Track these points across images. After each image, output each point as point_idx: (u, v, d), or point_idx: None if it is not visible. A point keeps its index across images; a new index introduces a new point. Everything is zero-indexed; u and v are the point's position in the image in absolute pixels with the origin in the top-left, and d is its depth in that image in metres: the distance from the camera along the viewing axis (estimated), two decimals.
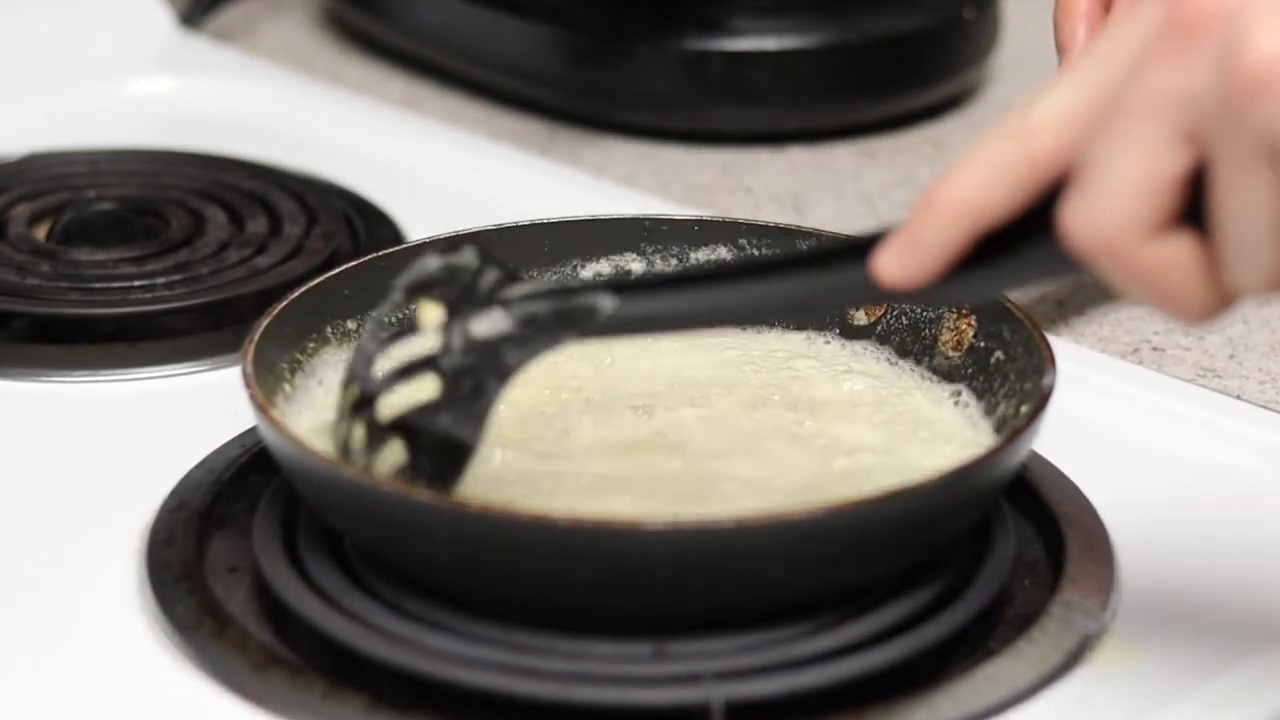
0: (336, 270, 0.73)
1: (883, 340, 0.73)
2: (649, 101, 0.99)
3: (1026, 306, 0.81)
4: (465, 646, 0.62)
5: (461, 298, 0.63)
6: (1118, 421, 0.76)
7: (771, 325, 0.73)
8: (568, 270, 0.76)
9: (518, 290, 0.62)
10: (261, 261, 0.86)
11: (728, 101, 0.98)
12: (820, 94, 0.98)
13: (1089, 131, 0.53)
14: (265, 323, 0.69)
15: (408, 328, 0.64)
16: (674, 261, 0.76)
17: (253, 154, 0.95)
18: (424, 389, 0.63)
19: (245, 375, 0.65)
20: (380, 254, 0.74)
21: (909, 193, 0.95)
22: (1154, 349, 0.81)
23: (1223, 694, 0.62)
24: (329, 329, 0.72)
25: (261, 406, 0.64)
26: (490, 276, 0.63)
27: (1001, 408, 0.69)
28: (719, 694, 0.60)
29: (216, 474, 0.70)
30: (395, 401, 0.64)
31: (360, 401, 0.64)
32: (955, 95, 1.03)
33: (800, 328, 0.74)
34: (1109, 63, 0.53)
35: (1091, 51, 0.54)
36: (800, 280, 0.59)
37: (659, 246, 0.76)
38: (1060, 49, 0.77)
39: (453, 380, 0.63)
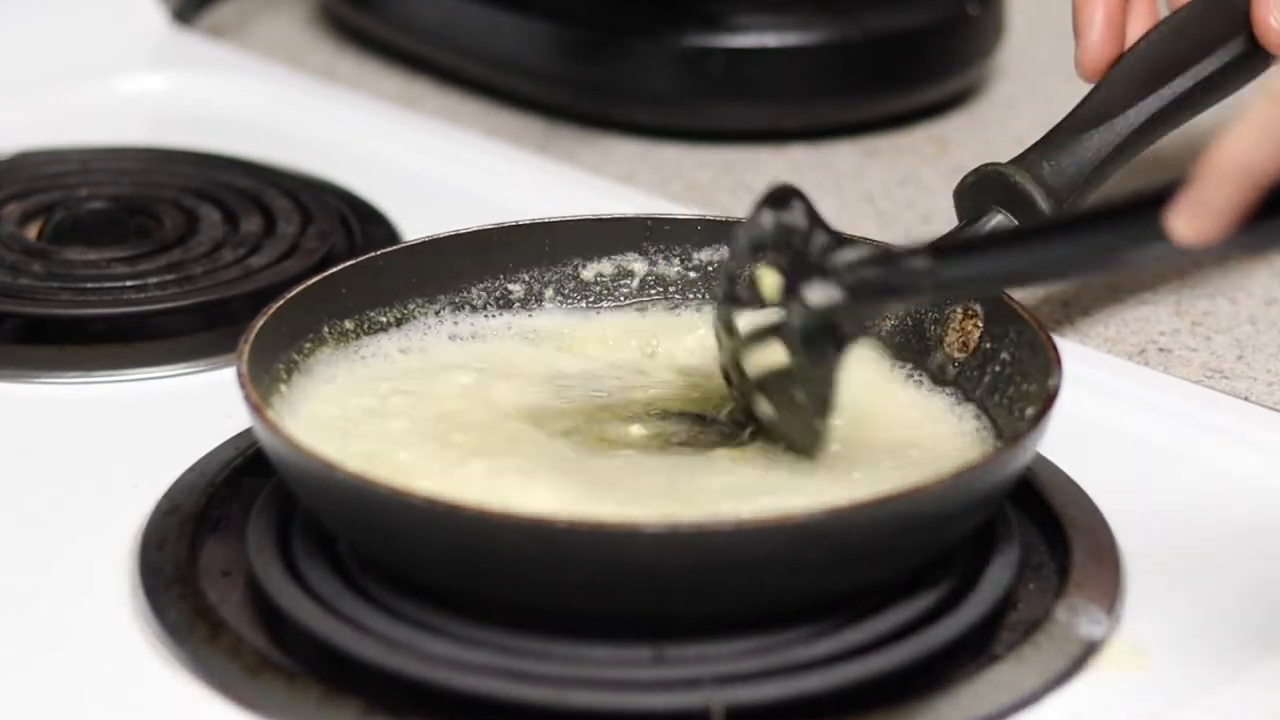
0: (333, 270, 0.73)
1: (887, 341, 0.73)
2: (648, 99, 0.99)
3: (1032, 307, 0.80)
4: (462, 651, 0.62)
5: (795, 262, 0.65)
6: (1124, 424, 0.76)
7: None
8: (569, 270, 0.76)
9: (846, 256, 0.65)
10: (256, 261, 0.86)
11: (728, 99, 0.98)
12: (822, 91, 0.99)
13: None
14: (260, 323, 0.69)
15: (749, 290, 0.67)
16: (677, 262, 0.75)
17: (247, 152, 0.95)
18: (774, 353, 0.66)
19: (240, 376, 0.65)
20: (378, 253, 0.74)
21: (912, 191, 0.95)
22: (1161, 350, 0.81)
23: (1230, 700, 0.62)
24: (326, 329, 0.72)
25: (257, 407, 0.64)
26: (820, 240, 0.65)
27: (1006, 409, 0.69)
28: (719, 699, 0.60)
29: (210, 476, 0.70)
30: (755, 361, 0.67)
31: (732, 355, 0.68)
32: (959, 92, 1.03)
33: None
34: None
35: None
36: (1102, 237, 0.61)
37: (662, 246, 0.76)
38: (1077, 33, 0.79)
39: (798, 346, 0.65)
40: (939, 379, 0.72)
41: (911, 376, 0.72)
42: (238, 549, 0.67)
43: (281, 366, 0.70)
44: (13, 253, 0.86)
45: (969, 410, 0.70)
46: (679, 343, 0.74)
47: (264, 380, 0.68)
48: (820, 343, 0.65)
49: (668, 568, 0.60)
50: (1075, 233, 0.62)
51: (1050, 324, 0.81)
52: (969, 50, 1.01)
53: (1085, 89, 0.82)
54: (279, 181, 0.92)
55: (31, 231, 0.89)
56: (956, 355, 0.71)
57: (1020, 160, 0.78)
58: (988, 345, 0.70)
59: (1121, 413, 0.76)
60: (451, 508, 0.60)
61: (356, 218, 0.90)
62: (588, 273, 0.76)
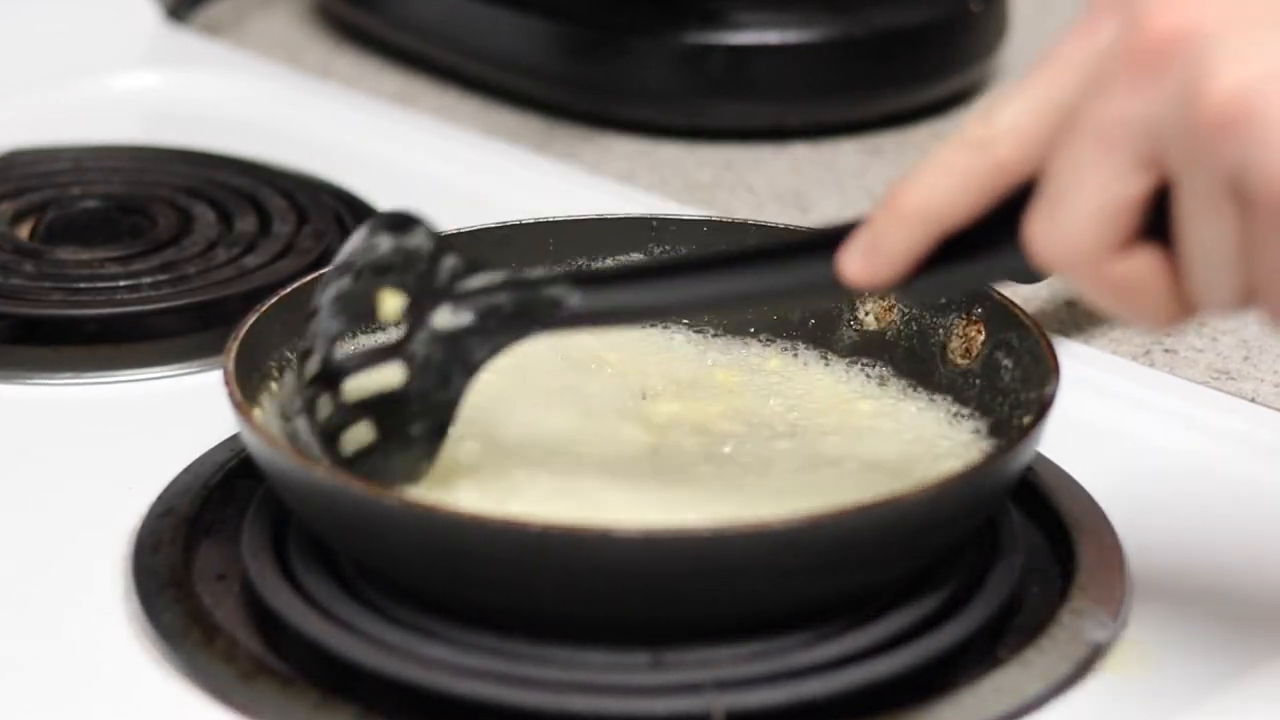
0: (330, 268, 0.72)
1: (890, 347, 0.73)
2: (648, 97, 0.98)
3: (1036, 307, 0.80)
4: (459, 655, 0.61)
5: (421, 286, 0.63)
6: (1129, 425, 0.76)
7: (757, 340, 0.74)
8: (571, 270, 0.75)
9: (477, 281, 0.63)
10: (250, 261, 0.86)
11: (729, 97, 0.98)
12: (824, 89, 0.98)
13: (1050, 142, 0.54)
14: (251, 320, 0.69)
15: (366, 312, 0.64)
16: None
17: (241, 151, 0.95)
18: (389, 375, 0.64)
19: (226, 373, 0.65)
20: None
21: None
22: (1166, 351, 0.81)
23: (1236, 704, 0.62)
24: None
25: (239, 405, 0.64)
26: (448, 264, 0.64)
27: (1008, 416, 0.69)
28: (719, 704, 0.59)
29: (204, 479, 0.70)
30: (361, 384, 0.64)
31: (320, 377, 0.65)
32: (962, 90, 1.03)
33: (794, 338, 0.73)
34: (1069, 73, 0.54)
35: (1051, 60, 0.55)
36: (765, 274, 0.60)
37: (666, 247, 0.76)
38: None
39: (420, 370, 0.63)
40: (941, 386, 0.71)
41: (913, 384, 0.72)
42: (233, 552, 0.67)
43: (273, 365, 0.69)
44: (4, 252, 0.86)
45: (972, 416, 0.70)
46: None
47: (253, 379, 0.68)
48: (445, 367, 0.63)
49: (644, 573, 0.59)
50: (735, 269, 0.61)
51: (1055, 325, 0.81)
52: (972, 48, 1.01)
53: None
54: (274, 180, 0.92)
55: (23, 231, 0.88)
56: (959, 362, 0.71)
57: None
58: (989, 352, 0.70)
59: (1126, 414, 0.76)
60: (426, 510, 0.60)
61: (353, 217, 0.90)
62: None
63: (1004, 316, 0.70)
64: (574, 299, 0.62)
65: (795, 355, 0.74)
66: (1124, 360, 0.80)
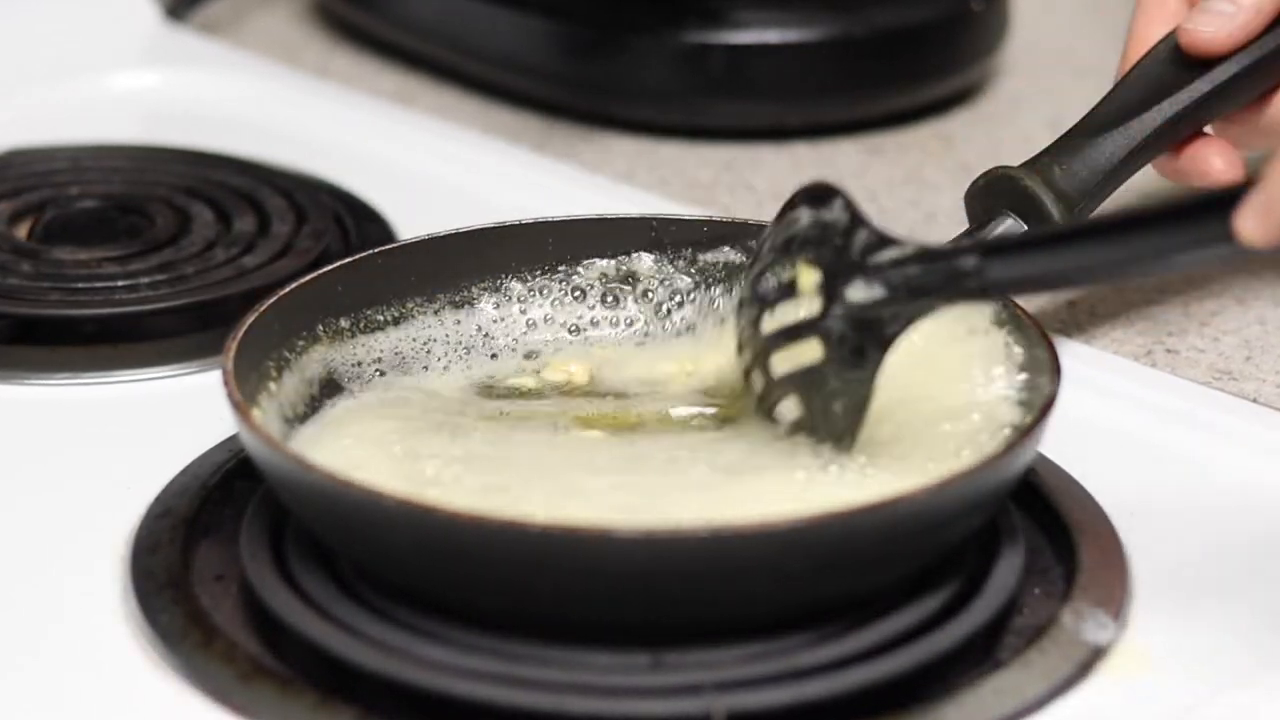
0: (331, 266, 0.73)
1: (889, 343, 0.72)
2: (648, 96, 0.98)
3: (1037, 307, 0.80)
4: (459, 657, 0.61)
5: (836, 260, 0.65)
6: (1130, 425, 0.76)
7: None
8: (571, 269, 0.75)
9: (889, 254, 0.64)
10: (249, 261, 0.85)
11: (729, 96, 0.98)
12: (824, 88, 0.98)
13: None
14: (250, 320, 0.68)
15: (786, 286, 0.66)
16: (682, 263, 0.75)
17: (240, 150, 0.95)
18: (809, 350, 0.66)
19: (225, 373, 0.65)
20: (376, 251, 0.74)
21: (915, 190, 0.95)
22: (1168, 351, 0.81)
23: (1239, 706, 0.62)
24: (320, 327, 0.72)
25: (238, 405, 0.64)
26: (861, 237, 0.65)
27: (1008, 417, 0.68)
28: (720, 705, 0.59)
29: (203, 479, 0.70)
30: (785, 357, 0.66)
31: (752, 347, 0.67)
32: (963, 89, 1.02)
33: None
34: None
35: None
36: (1165, 236, 0.60)
37: (667, 247, 0.75)
38: (1133, 47, 0.79)
39: (836, 344, 0.65)
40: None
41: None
42: (231, 553, 0.67)
43: (272, 365, 0.69)
44: (2, 252, 0.86)
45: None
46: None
47: (252, 379, 0.67)
48: (859, 341, 0.64)
49: (644, 573, 0.59)
50: (1132, 231, 0.61)
51: (1056, 325, 0.81)
52: (973, 47, 1.01)
53: (1090, 86, 0.82)
54: (273, 180, 0.92)
55: (21, 231, 0.88)
56: None
57: (1031, 164, 0.78)
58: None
59: (1128, 415, 0.76)
60: (424, 510, 0.60)
61: (352, 217, 0.90)
62: (592, 272, 0.75)
63: (1005, 316, 0.69)
64: (985, 268, 0.62)
65: None
66: (1125, 360, 0.79)
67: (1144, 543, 0.68)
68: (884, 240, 0.65)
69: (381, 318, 0.73)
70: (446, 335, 0.74)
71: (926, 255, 0.64)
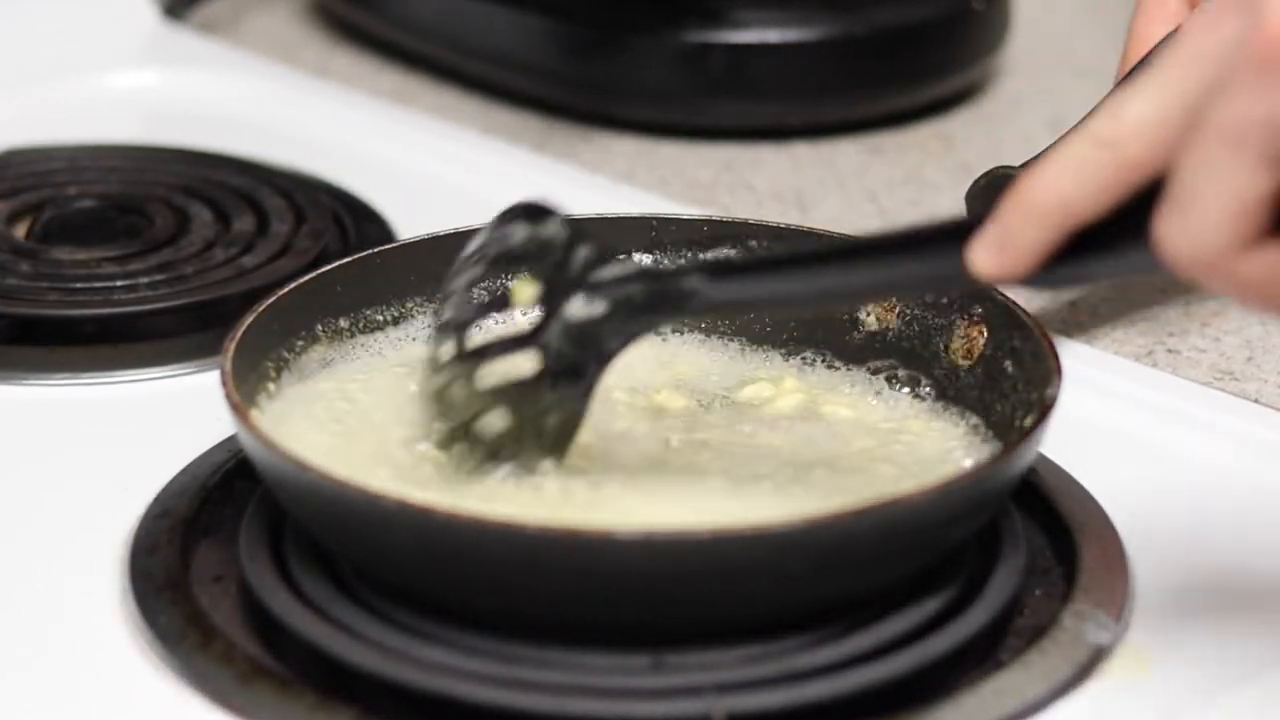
0: (330, 266, 0.72)
1: (891, 348, 0.73)
2: (648, 96, 0.98)
3: (1038, 307, 0.80)
4: (459, 658, 0.61)
5: (555, 275, 0.64)
6: (1132, 426, 0.76)
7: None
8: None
9: (611, 271, 0.64)
10: (248, 261, 0.85)
11: (729, 96, 0.98)
12: (824, 88, 0.98)
13: (1178, 141, 0.55)
14: (249, 320, 0.68)
15: (499, 300, 0.66)
16: (682, 262, 0.75)
17: (239, 150, 0.95)
18: (523, 362, 0.65)
19: (223, 373, 0.65)
20: (375, 250, 0.74)
21: (916, 190, 0.95)
22: (1169, 351, 0.81)
23: (1241, 708, 0.62)
24: (319, 327, 0.72)
25: (236, 406, 0.64)
26: (582, 254, 0.64)
27: (1009, 418, 0.68)
28: (720, 707, 0.59)
29: (201, 480, 0.70)
30: (494, 371, 0.65)
31: (456, 363, 0.65)
32: (964, 89, 1.02)
33: (797, 341, 0.74)
34: (1193, 70, 0.55)
35: (1174, 57, 0.55)
36: (893, 264, 0.61)
37: (667, 247, 0.75)
38: (1133, 47, 0.79)
39: (553, 359, 0.64)
40: (943, 386, 0.71)
41: (915, 385, 0.71)
42: (230, 554, 0.66)
43: (271, 365, 0.69)
44: (1, 252, 0.85)
45: (974, 419, 0.70)
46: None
47: (250, 379, 0.67)
48: (577, 357, 0.64)
49: (643, 575, 0.59)
50: (863, 258, 0.61)
51: (1056, 325, 0.81)
52: (974, 46, 1.01)
53: (1091, 86, 0.82)
54: (272, 180, 0.92)
55: (20, 230, 0.88)
56: (961, 363, 0.71)
57: (1032, 164, 0.78)
58: (991, 353, 0.70)
59: (1129, 415, 0.76)
60: (423, 511, 0.60)
61: (351, 216, 0.89)
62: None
63: (1006, 317, 0.69)
64: (707, 289, 0.62)
65: (801, 359, 0.73)
66: (1127, 361, 0.79)
67: (1145, 544, 0.68)
68: (605, 257, 0.64)
69: (381, 318, 0.73)
70: None
71: (650, 274, 0.64)
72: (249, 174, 0.92)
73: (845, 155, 0.97)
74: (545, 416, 0.64)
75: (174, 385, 0.78)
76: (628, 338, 0.64)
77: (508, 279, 0.66)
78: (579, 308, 0.63)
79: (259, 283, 0.82)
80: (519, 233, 0.65)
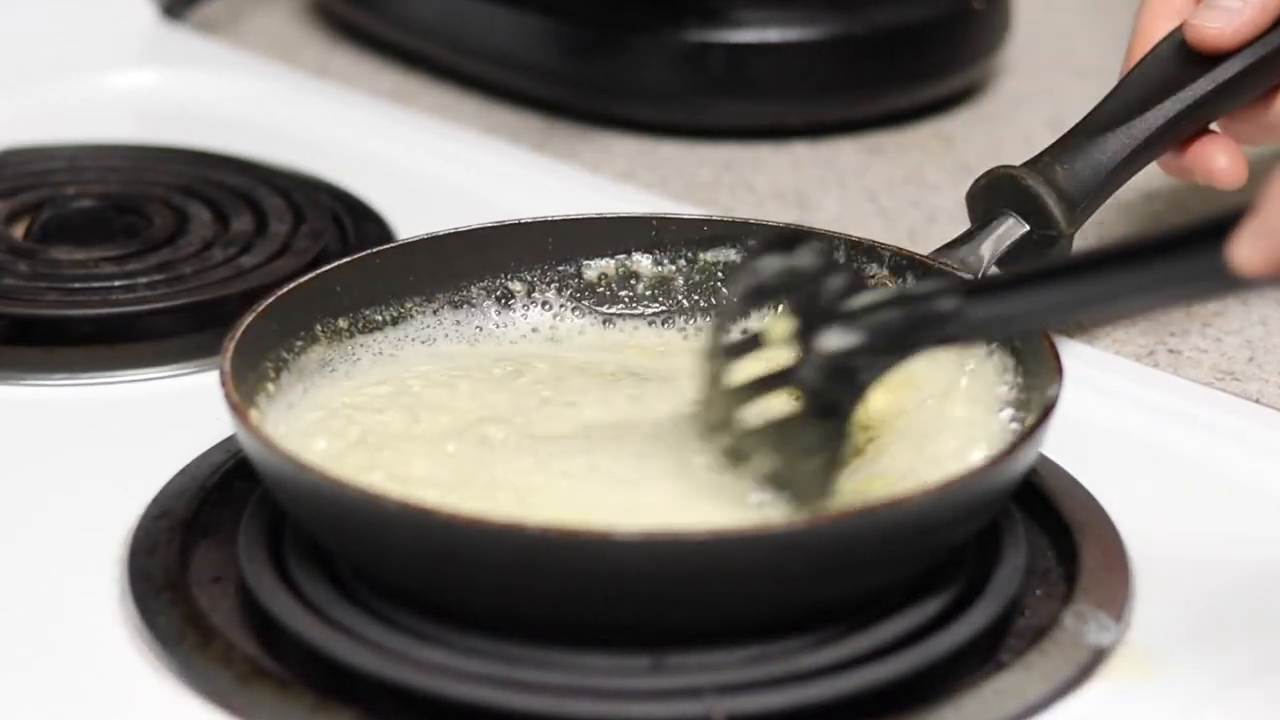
0: (329, 266, 0.72)
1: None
2: (648, 95, 0.98)
3: None
4: (459, 659, 0.61)
5: (808, 307, 0.63)
6: (1133, 426, 0.75)
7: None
8: (571, 269, 0.75)
9: (863, 299, 0.62)
10: (247, 261, 0.85)
11: (729, 95, 0.97)
12: (825, 87, 0.98)
13: None
14: (248, 321, 0.68)
15: (753, 340, 0.65)
16: (682, 262, 0.75)
17: (238, 149, 0.95)
18: (781, 402, 0.64)
19: (223, 374, 0.65)
20: (374, 250, 0.74)
21: (916, 189, 0.94)
22: (1170, 351, 0.80)
23: (1241, 708, 0.61)
24: (319, 327, 0.71)
25: (236, 406, 0.64)
26: (834, 282, 0.63)
27: (1011, 419, 0.68)
28: (720, 708, 0.59)
29: (200, 481, 0.70)
30: (755, 410, 0.64)
31: (719, 396, 0.65)
32: (964, 89, 1.02)
33: None
34: None
35: None
36: (1153, 269, 0.58)
37: (668, 247, 0.75)
38: (1138, 44, 0.79)
39: (811, 395, 0.63)
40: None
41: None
42: (229, 554, 0.66)
43: (270, 365, 0.69)
44: None
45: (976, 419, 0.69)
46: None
47: (249, 380, 0.67)
48: (833, 391, 0.62)
49: (643, 576, 0.59)
50: (1119, 267, 0.59)
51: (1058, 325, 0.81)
52: (974, 46, 1.01)
53: (1091, 85, 0.82)
54: (270, 179, 0.92)
55: (18, 230, 0.88)
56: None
57: (1033, 163, 0.78)
58: (993, 353, 0.69)
59: (1130, 416, 0.76)
60: (422, 512, 0.60)
61: (350, 216, 0.89)
62: (591, 272, 0.75)
63: None
64: (965, 309, 0.61)
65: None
66: (1128, 361, 0.79)
67: (1146, 544, 0.67)
68: (858, 284, 0.63)
69: (380, 318, 0.73)
70: (446, 335, 0.74)
71: (904, 299, 0.62)
72: (248, 174, 0.92)
73: (845, 155, 0.97)
74: (806, 457, 0.63)
75: (173, 385, 0.78)
76: (884, 367, 0.62)
77: (762, 314, 0.65)
78: (834, 339, 0.62)
79: (258, 283, 0.82)
80: (772, 264, 0.64)
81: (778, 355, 0.64)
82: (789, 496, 0.63)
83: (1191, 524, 0.70)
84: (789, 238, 0.65)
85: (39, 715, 0.61)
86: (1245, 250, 0.55)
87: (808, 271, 0.64)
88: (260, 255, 0.85)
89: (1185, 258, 0.57)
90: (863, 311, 0.62)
